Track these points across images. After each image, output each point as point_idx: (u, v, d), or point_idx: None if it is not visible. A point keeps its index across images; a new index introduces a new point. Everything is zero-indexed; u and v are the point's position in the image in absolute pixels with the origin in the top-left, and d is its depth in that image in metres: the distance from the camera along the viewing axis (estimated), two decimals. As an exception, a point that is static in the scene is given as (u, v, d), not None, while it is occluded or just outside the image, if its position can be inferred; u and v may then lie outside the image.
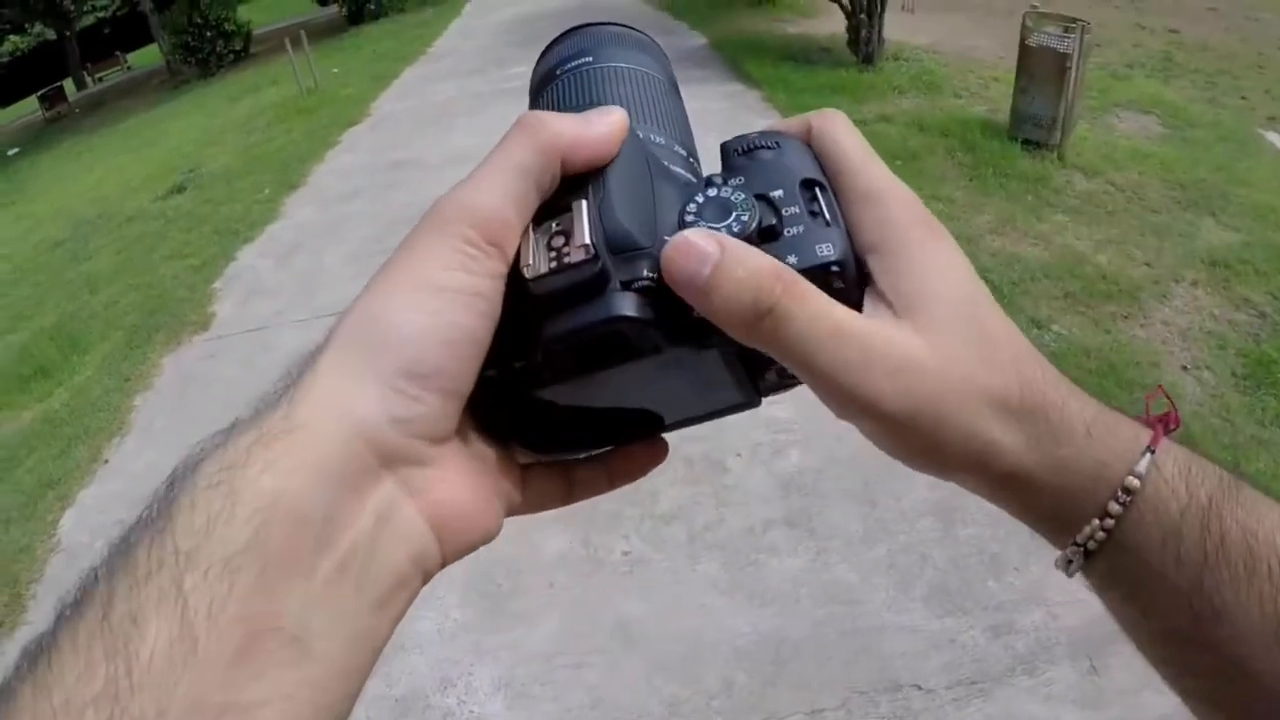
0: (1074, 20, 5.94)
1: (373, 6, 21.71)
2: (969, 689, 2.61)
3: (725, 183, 0.37)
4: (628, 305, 0.34)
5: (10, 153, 22.20)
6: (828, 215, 0.37)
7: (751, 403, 0.41)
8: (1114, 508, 0.34)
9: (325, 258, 6.64)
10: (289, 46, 13.23)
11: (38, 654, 0.26)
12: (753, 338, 0.34)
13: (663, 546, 3.27)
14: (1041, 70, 6.07)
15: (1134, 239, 5.16)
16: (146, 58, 32.14)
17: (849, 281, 0.36)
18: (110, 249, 8.51)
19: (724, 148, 0.40)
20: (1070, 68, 5.91)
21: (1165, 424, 0.37)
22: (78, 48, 33.00)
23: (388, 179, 7.97)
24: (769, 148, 0.39)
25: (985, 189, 5.80)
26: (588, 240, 0.34)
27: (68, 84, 30.30)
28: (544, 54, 0.47)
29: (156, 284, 7.03)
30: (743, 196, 0.36)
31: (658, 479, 3.52)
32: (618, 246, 0.35)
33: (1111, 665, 2.55)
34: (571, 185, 0.36)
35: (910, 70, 8.46)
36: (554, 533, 3.40)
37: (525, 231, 0.35)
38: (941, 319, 0.35)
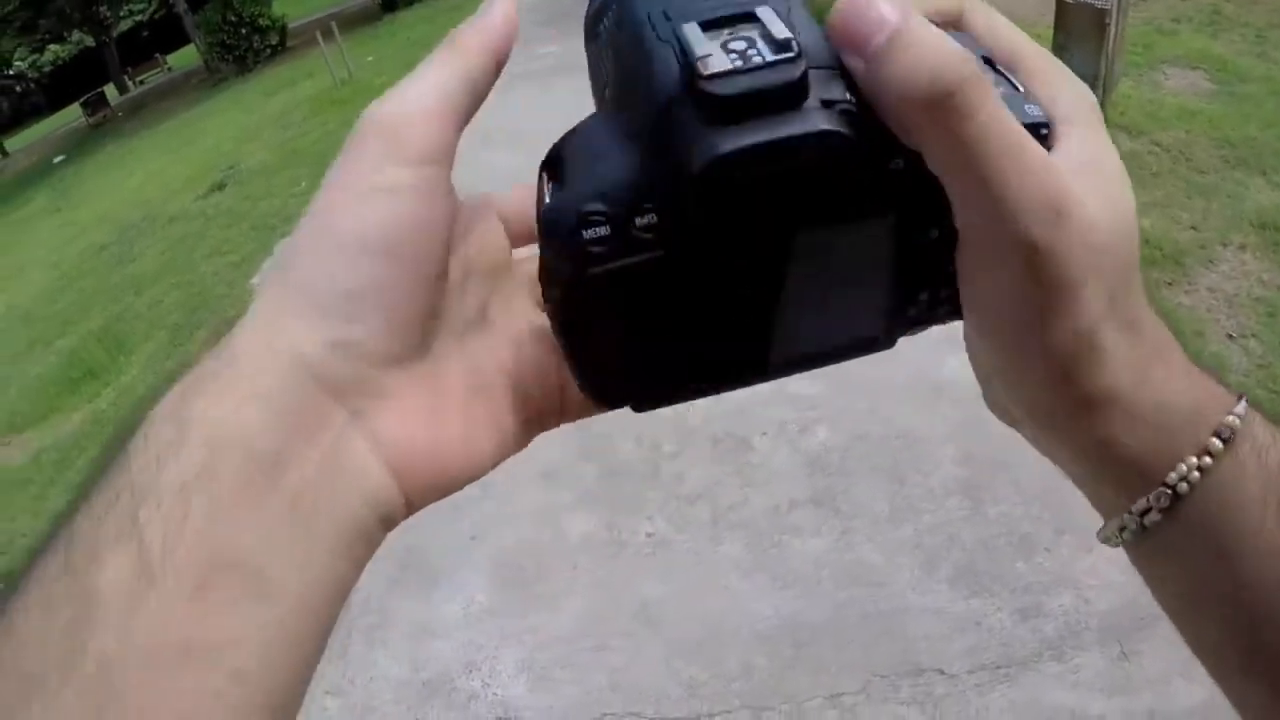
0: (1111, -25, 5.77)
1: None
2: (993, 674, 2.55)
3: None
4: (835, 122, 0.28)
5: (56, 160, 22.77)
6: (1019, 85, 0.33)
7: (885, 340, 0.36)
8: (1215, 444, 0.32)
9: None
10: (320, 39, 13.30)
11: (5, 602, 0.26)
12: (923, 126, 0.28)
13: (686, 528, 3.26)
14: (1079, 27, 5.89)
15: (1180, 201, 5.02)
16: (186, 58, 32.68)
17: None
18: (154, 250, 8.68)
19: None
20: (1110, 23, 5.74)
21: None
22: (117, 53, 33.65)
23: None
24: None
25: (1022, 154, 5.64)
26: (788, 35, 0.28)
27: (109, 89, 30.96)
28: None
29: (198, 282, 7.16)
30: None
31: (683, 459, 3.51)
32: (811, 58, 0.28)
33: (1143, 651, 2.47)
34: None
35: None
36: (579, 515, 3.40)
37: (681, 34, 0.29)
38: (1109, 196, 0.31)
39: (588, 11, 0.37)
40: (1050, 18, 6.40)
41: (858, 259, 0.33)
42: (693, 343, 0.34)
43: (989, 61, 0.33)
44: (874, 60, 0.28)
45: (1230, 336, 3.92)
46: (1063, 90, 0.33)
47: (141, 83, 33.21)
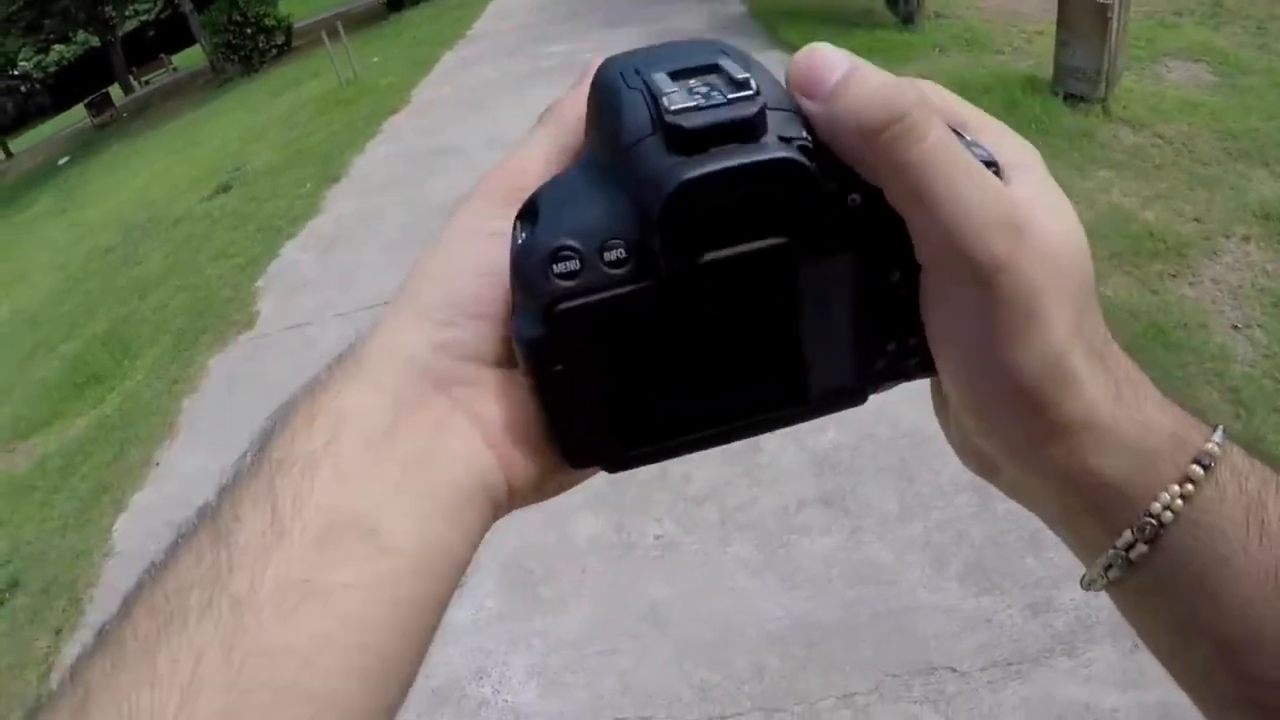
0: (1114, -31, 5.75)
1: None
2: (1005, 670, 2.55)
3: None
4: (793, 152, 0.30)
5: (61, 162, 22.75)
6: (965, 135, 0.34)
7: (858, 394, 0.38)
8: (1196, 471, 0.32)
9: (365, 249, 6.71)
10: (326, 39, 13.30)
11: (158, 563, 0.31)
12: (879, 153, 0.31)
13: (694, 529, 3.26)
14: (1082, 21, 5.88)
15: (1183, 193, 5.01)
16: (191, 58, 32.64)
17: None
18: (159, 252, 8.68)
19: None
20: (1111, 17, 5.73)
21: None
22: (122, 53, 33.61)
23: (427, 167, 8.01)
24: None
25: (1027, 147, 5.62)
26: (747, 75, 0.31)
27: (115, 90, 30.93)
28: None
29: (203, 285, 7.16)
30: None
31: (691, 459, 3.49)
32: (770, 101, 0.31)
33: (1155, 644, 2.47)
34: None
35: (951, 29, 8.28)
36: (586, 518, 3.40)
37: (643, 87, 0.33)
38: (1063, 222, 0.33)
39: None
40: (1052, 15, 6.39)
41: (822, 300, 0.34)
42: (663, 393, 0.35)
43: None
44: (830, 98, 0.31)
45: (1235, 327, 3.91)
46: (1006, 140, 0.35)
47: (147, 83, 33.20)
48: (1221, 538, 0.32)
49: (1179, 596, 0.33)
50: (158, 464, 4.87)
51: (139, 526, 4.37)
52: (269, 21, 21.39)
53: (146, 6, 33.21)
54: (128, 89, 32.74)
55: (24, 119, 43.85)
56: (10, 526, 4.92)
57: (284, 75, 17.79)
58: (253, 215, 8.44)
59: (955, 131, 0.33)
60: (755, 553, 3.09)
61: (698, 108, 0.30)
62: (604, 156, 0.34)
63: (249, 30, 21.02)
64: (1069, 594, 2.68)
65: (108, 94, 28.25)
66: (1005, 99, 6.33)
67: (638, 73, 0.33)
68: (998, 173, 0.33)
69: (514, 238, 0.34)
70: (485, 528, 0.35)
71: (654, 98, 0.31)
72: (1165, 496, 0.32)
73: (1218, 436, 0.33)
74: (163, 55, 34.67)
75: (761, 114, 0.30)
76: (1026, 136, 0.36)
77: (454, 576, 0.34)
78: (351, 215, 7.55)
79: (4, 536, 4.84)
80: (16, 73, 39.06)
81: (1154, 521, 0.32)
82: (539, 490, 0.38)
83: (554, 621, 3.06)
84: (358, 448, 0.32)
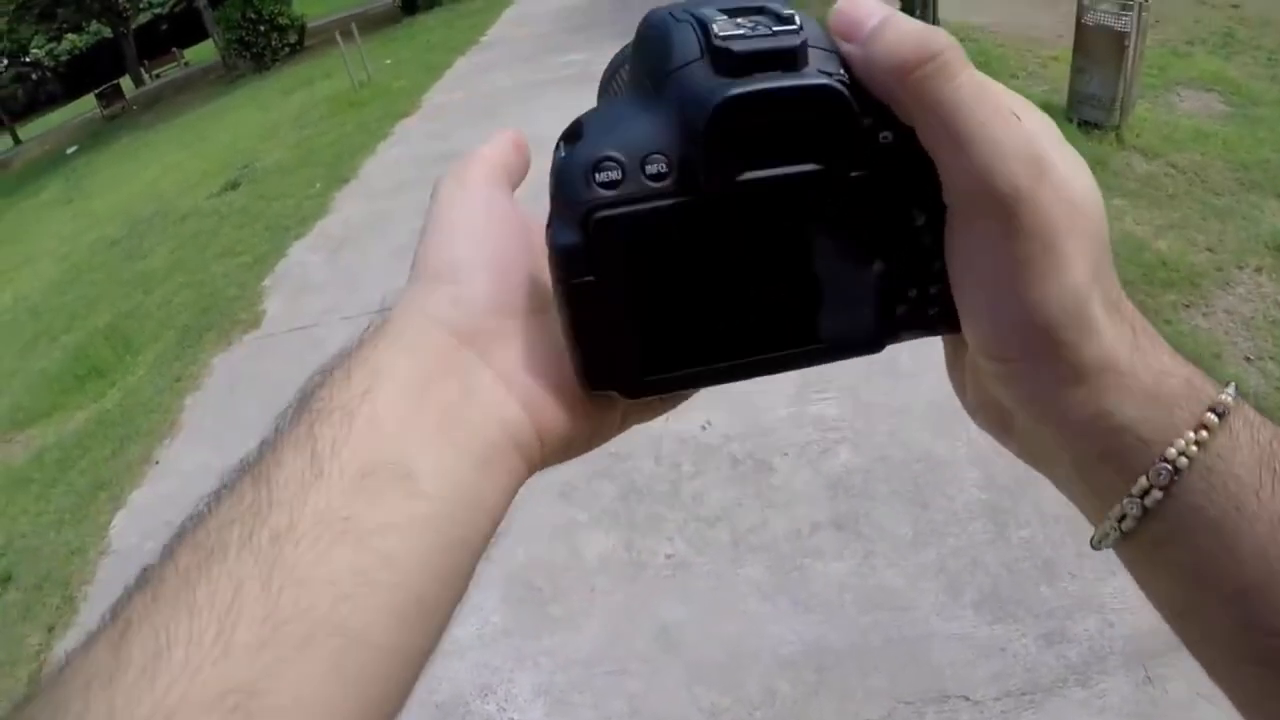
0: (1132, -4, 5.75)
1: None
2: (1018, 700, 2.53)
3: None
4: (832, 82, 0.32)
5: (69, 151, 22.84)
6: None
7: (874, 342, 0.38)
8: (1211, 419, 0.33)
9: (373, 252, 6.69)
10: (340, 40, 13.33)
11: (200, 510, 0.32)
12: (913, 90, 0.32)
13: (706, 549, 3.23)
14: (1099, 49, 5.89)
15: (1195, 223, 5.01)
16: (204, 53, 32.77)
17: None
18: (165, 247, 8.67)
19: None
20: (1129, 45, 5.73)
21: None
22: (134, 45, 33.71)
23: (437, 171, 7.90)
24: None
25: (1040, 174, 5.63)
26: (792, 13, 0.33)
27: (125, 81, 30.99)
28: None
29: (209, 282, 7.14)
30: None
31: (703, 479, 3.49)
32: (812, 40, 0.33)
33: (1168, 675, 2.46)
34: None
35: (965, 52, 8.30)
36: (596, 535, 3.38)
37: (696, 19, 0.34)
38: (1080, 169, 0.34)
39: (605, 72, 0.43)
40: (1067, 39, 6.41)
41: (849, 235, 0.36)
42: (686, 319, 0.36)
43: None
44: (868, 40, 0.33)
45: (1248, 359, 3.91)
46: (1026, 107, 0.36)
47: (157, 76, 33.35)
48: (1237, 484, 0.32)
49: (1194, 546, 0.33)
50: (157, 462, 4.84)
51: (136, 525, 4.33)
52: (282, 20, 21.56)
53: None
54: (138, 81, 32.85)
55: (34, 106, 44.00)
56: (5, 519, 4.89)
57: (296, 74, 17.90)
58: (261, 214, 8.44)
59: None
60: (767, 575, 3.06)
61: (745, 36, 0.32)
62: (650, 83, 0.35)
63: (262, 28, 21.19)
64: (1083, 624, 2.67)
65: (118, 85, 28.40)
66: (1019, 123, 6.35)
67: (687, 10, 0.35)
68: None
69: (556, 153, 0.35)
70: (518, 481, 0.37)
71: (703, 28, 0.33)
72: (1181, 442, 0.32)
73: (1230, 389, 0.34)
74: (174, 49, 34.84)
75: (804, 46, 0.32)
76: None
77: (488, 527, 0.35)
78: (360, 217, 7.53)
79: (-1, 529, 4.81)
80: (28, 60, 39.18)
81: (1170, 467, 0.32)
82: (569, 445, 0.39)
83: (562, 640, 3.03)
84: (393, 397, 0.33)
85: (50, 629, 3.86)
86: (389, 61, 14.55)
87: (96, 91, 28.30)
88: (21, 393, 6.53)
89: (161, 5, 35.24)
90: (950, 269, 0.35)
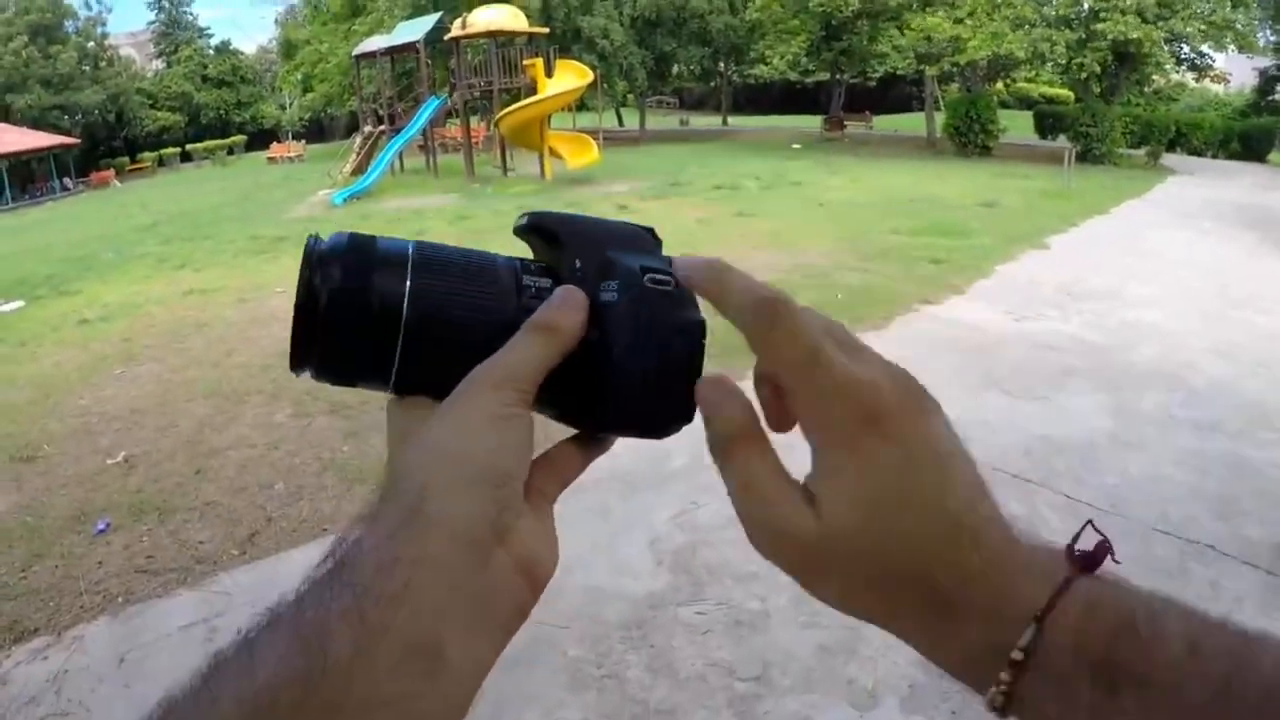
0: None
1: (1096, 152, 27.68)
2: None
3: None
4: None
5: (794, 146, 31.76)
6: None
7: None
8: (1004, 677, 0.39)
9: (1051, 278, 12.79)
10: (1067, 159, 19.83)
11: (242, 657, 0.37)
12: (753, 335, 0.45)
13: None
14: None
15: None
16: (904, 123, 41.17)
17: None
18: (919, 218, 15.55)
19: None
20: None
21: (1089, 562, 0.41)
22: (845, 96, 43.05)
23: (1113, 247, 13.19)
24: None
25: None
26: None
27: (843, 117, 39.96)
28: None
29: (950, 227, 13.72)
30: None
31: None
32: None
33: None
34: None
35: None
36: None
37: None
38: (842, 513, 0.41)
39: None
40: None
41: None
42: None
43: None
44: (717, 297, 0.46)
45: None
46: (833, 410, 0.44)
47: (844, 125, 41.99)
48: (1045, 711, 0.38)
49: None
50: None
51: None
52: (991, 126, 28.67)
53: (889, 67, 41.58)
54: (838, 125, 41.78)
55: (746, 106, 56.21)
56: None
57: (993, 169, 24.14)
58: (1005, 224, 14.96)
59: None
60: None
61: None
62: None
63: (975, 125, 28.44)
64: None
65: (841, 117, 37.62)
66: None
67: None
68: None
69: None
70: (515, 633, 0.44)
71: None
72: (992, 691, 0.39)
73: (1024, 640, 0.39)
74: (867, 111, 42.99)
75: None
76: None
77: (482, 679, 0.42)
78: (1067, 246, 13.62)
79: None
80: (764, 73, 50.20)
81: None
82: (542, 588, 0.46)
83: None
84: (431, 589, 0.39)
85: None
86: (1074, 185, 20.45)
87: (826, 116, 38.15)
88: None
89: (893, 70, 43.51)
90: (814, 476, 0.43)
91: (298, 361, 0.47)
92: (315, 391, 7.04)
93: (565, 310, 0.48)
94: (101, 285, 13.64)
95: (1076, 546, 0.42)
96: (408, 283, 0.47)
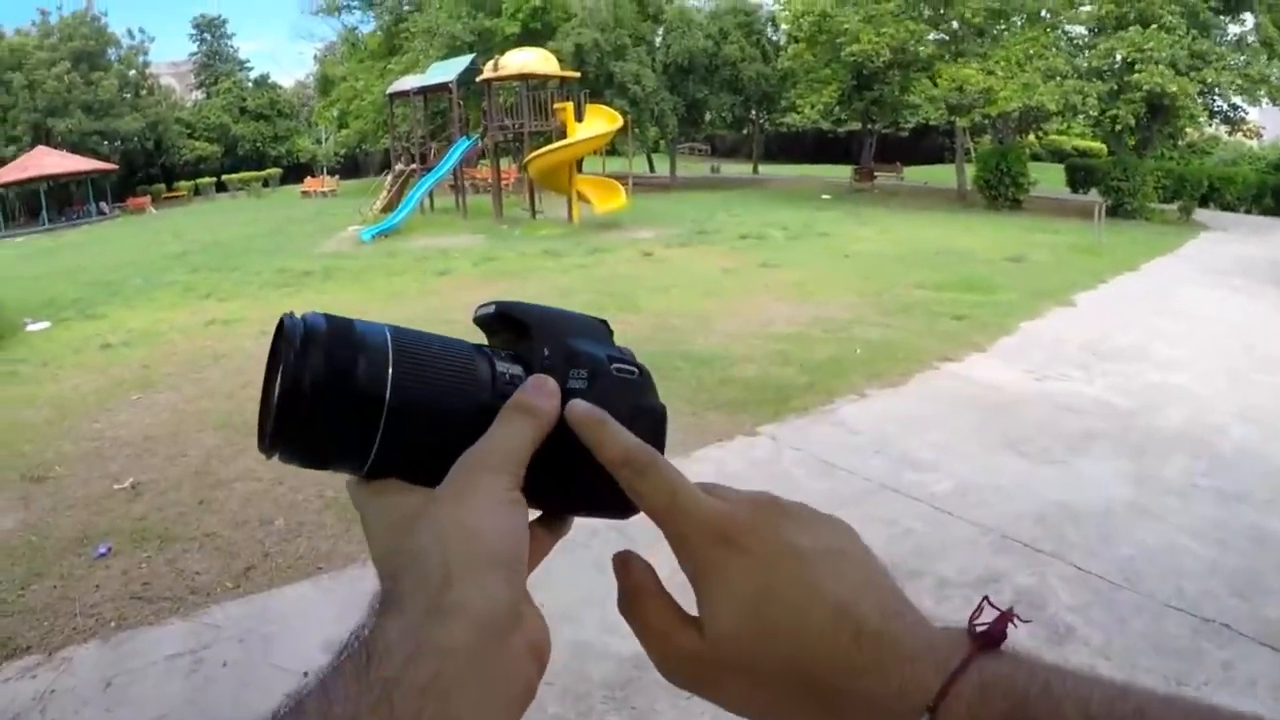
0: None
1: (1128, 207, 27.43)
2: None
3: None
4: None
5: (824, 197, 31.84)
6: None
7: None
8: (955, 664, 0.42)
9: (1076, 335, 12.70)
10: (1098, 214, 19.76)
11: None
12: (623, 478, 0.50)
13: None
14: None
15: None
16: (931, 174, 41.33)
17: None
18: (960, 270, 15.47)
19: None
20: None
21: (990, 640, 0.43)
22: (875, 144, 43.28)
23: (1144, 305, 13.14)
24: None
25: None
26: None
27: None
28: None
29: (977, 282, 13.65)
30: None
31: None
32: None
33: None
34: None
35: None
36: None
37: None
38: (719, 625, 0.47)
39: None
40: None
41: None
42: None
43: None
44: (597, 447, 0.50)
45: None
46: (689, 541, 0.50)
47: (874, 175, 41.96)
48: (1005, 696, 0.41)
49: None
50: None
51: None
52: (1022, 179, 28.57)
53: (930, 115, 41.45)
54: (869, 176, 41.85)
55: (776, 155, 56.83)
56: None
57: (1023, 224, 24.06)
58: (1035, 282, 14.91)
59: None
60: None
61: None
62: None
63: (1005, 179, 28.35)
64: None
65: (872, 168, 37.75)
66: None
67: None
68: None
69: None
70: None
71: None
72: (932, 688, 0.42)
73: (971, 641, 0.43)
74: (898, 162, 42.98)
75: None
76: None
77: None
78: (1094, 303, 13.62)
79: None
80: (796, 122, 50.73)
81: (929, 710, 0.41)
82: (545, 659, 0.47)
83: None
84: (457, 679, 0.40)
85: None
86: (1105, 240, 20.39)
87: (855, 167, 38.24)
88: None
89: (925, 121, 43.48)
90: (699, 603, 0.48)
91: (269, 444, 0.47)
92: (324, 429, 7.01)
93: (542, 395, 0.51)
94: (127, 311, 13.97)
95: (977, 622, 0.44)
96: (389, 369, 0.47)
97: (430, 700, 0.39)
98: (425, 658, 0.40)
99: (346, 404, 0.46)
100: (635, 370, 0.54)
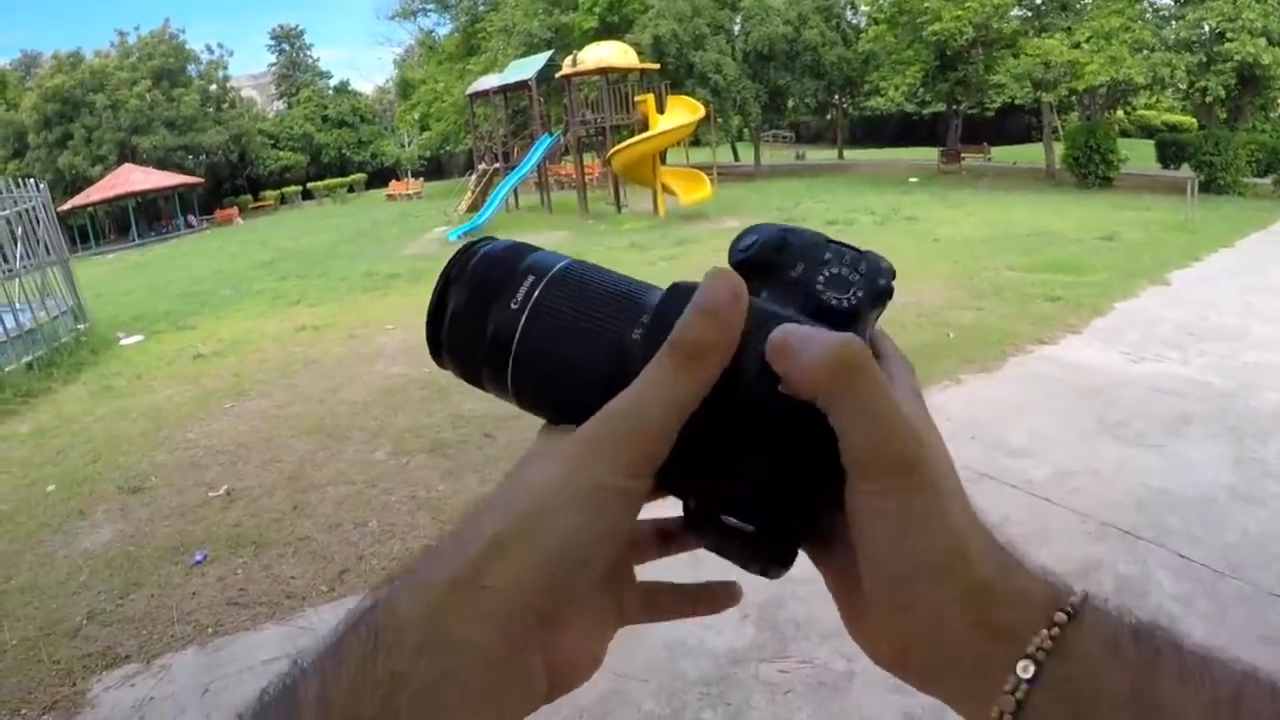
0: None
1: (1221, 182, 26.52)
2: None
3: None
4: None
5: (911, 180, 31.47)
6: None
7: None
8: (1059, 617, 0.39)
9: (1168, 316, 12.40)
10: (1190, 191, 19.25)
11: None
12: (827, 394, 0.40)
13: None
14: None
15: None
16: (1023, 154, 40.52)
17: None
18: (1057, 250, 15.26)
19: None
20: None
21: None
22: (962, 126, 42.36)
23: (1235, 283, 12.65)
24: None
25: None
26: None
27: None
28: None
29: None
30: None
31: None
32: None
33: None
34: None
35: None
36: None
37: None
38: (938, 443, 0.44)
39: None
40: None
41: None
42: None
43: None
44: (790, 363, 0.40)
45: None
46: (904, 394, 0.46)
47: (962, 158, 41.13)
48: (1092, 666, 0.38)
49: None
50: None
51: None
52: (1111, 156, 27.90)
53: (1015, 94, 40.49)
54: (955, 158, 41.06)
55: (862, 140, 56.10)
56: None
57: (1113, 201, 23.48)
58: (1125, 259, 14.54)
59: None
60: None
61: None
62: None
63: (1095, 156, 27.70)
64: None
65: (958, 150, 37.15)
66: None
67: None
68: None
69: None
70: None
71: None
72: (1038, 639, 0.39)
73: (1079, 593, 0.41)
74: (984, 142, 41.92)
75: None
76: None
77: None
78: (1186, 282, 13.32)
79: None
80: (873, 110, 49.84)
81: (1032, 660, 0.39)
82: (561, 692, 0.44)
83: None
84: (465, 680, 0.37)
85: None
86: (1197, 217, 19.70)
87: (942, 149, 37.73)
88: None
89: (1011, 100, 42.11)
90: (853, 523, 0.42)
91: (434, 354, 0.47)
92: (416, 430, 7.32)
93: (713, 316, 0.41)
94: (217, 321, 14.47)
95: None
96: (523, 316, 0.44)
97: (430, 701, 0.37)
98: (437, 650, 0.37)
99: (479, 340, 0.45)
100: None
